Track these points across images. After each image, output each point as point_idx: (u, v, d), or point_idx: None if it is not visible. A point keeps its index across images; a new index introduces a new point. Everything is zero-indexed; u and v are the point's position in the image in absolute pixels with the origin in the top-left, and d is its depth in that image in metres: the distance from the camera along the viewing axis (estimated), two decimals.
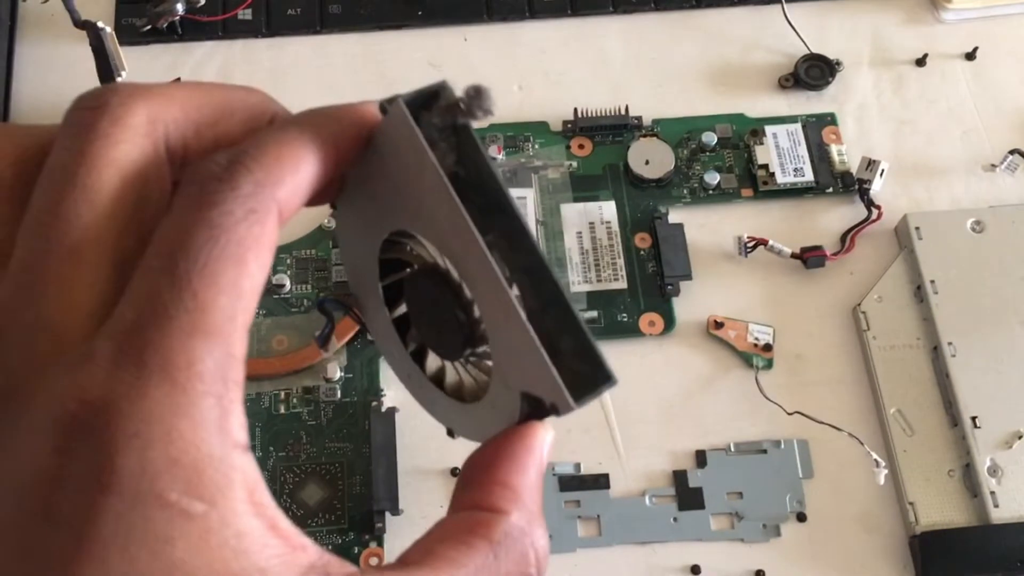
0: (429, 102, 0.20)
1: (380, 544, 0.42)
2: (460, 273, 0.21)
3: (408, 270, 0.24)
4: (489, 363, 0.22)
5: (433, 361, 0.24)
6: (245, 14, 0.54)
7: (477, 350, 0.22)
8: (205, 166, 0.18)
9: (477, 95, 0.20)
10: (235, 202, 0.17)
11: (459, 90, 0.20)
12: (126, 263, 0.17)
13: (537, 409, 0.20)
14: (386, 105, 0.20)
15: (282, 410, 0.45)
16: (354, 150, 0.20)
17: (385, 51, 0.55)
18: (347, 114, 0.20)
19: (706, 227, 0.50)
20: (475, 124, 0.20)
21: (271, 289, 0.47)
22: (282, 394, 0.45)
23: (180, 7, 0.53)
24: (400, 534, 0.43)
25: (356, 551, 0.42)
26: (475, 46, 0.55)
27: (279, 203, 0.18)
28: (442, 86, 0.20)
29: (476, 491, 0.20)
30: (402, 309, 0.24)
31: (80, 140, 0.18)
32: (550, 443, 0.21)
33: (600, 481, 0.44)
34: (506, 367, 0.21)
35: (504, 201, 0.20)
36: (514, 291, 0.20)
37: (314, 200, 0.21)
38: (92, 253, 0.17)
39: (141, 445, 0.15)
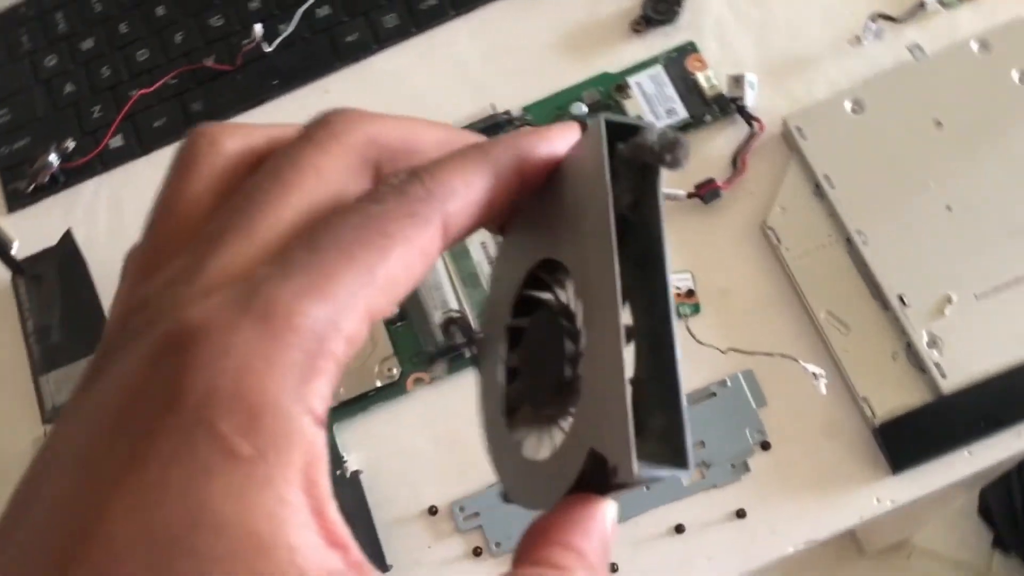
0: (627, 135, 0.20)
1: None
2: (584, 309, 0.21)
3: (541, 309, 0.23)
4: (571, 421, 0.22)
5: (522, 418, 0.24)
6: (116, 142, 0.56)
7: (567, 404, 0.22)
8: (388, 175, 0.19)
9: (673, 144, 0.20)
10: (397, 203, 0.18)
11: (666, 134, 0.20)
12: None
13: (597, 472, 0.19)
14: (588, 121, 0.21)
15: None
16: (539, 177, 0.21)
17: None
18: (536, 142, 0.21)
19: None
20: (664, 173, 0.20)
21: None
22: None
23: (54, 158, 0.55)
24: None
25: None
26: (338, 94, 0.56)
27: (446, 215, 0.19)
28: (645, 125, 0.20)
29: (536, 551, 0.19)
30: (513, 359, 0.24)
31: (297, 147, 0.19)
32: (614, 517, 0.20)
33: None
34: (586, 422, 0.20)
35: (660, 262, 0.20)
36: (624, 346, 0.19)
37: (492, 224, 0.22)
38: (265, 234, 0.18)
39: (212, 373, 0.15)
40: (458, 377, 0.48)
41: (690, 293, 0.47)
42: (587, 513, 0.20)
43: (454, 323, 0.25)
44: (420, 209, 0.18)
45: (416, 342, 0.48)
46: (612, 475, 0.19)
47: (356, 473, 0.46)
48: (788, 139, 0.49)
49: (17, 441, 0.51)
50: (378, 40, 0.56)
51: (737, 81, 0.49)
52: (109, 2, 0.59)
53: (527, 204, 0.22)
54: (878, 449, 0.43)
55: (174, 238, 0.19)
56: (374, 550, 0.44)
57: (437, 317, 0.47)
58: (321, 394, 0.16)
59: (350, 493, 0.45)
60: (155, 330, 0.16)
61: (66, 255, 0.52)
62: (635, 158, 0.20)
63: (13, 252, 0.51)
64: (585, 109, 0.51)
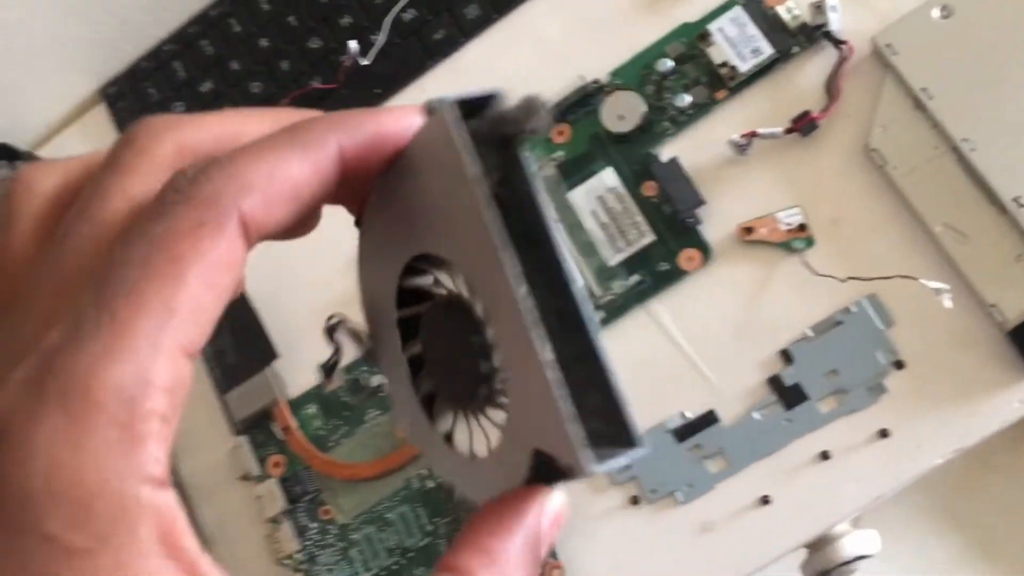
0: (479, 108, 0.19)
1: (555, 557, 0.48)
2: (484, 306, 0.19)
3: (429, 302, 0.22)
4: (503, 415, 0.20)
5: (442, 410, 0.22)
6: None
7: (493, 400, 0.21)
8: (175, 178, 0.17)
9: (531, 108, 0.18)
10: (182, 215, 0.16)
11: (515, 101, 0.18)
12: None
13: (547, 470, 0.18)
14: (433, 105, 0.19)
15: (430, 484, 0.51)
16: (373, 159, 0.19)
17: None
18: (365, 120, 0.19)
19: (700, 146, 0.51)
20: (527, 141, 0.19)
21: (373, 391, 0.53)
22: (424, 471, 0.52)
23: None
24: (568, 540, 0.48)
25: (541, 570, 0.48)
26: (435, 91, 0.58)
27: (245, 214, 0.17)
28: (495, 94, 0.19)
29: (453, 552, 0.19)
30: (416, 348, 0.22)
31: (102, 174, 0.18)
32: (556, 509, 0.19)
33: (708, 419, 0.48)
34: (520, 420, 0.19)
35: (545, 234, 0.19)
36: (542, 334, 0.18)
37: (350, 206, 0.20)
38: (78, 285, 0.17)
39: (24, 475, 0.15)
40: None
41: (801, 227, 0.48)
42: (514, 509, 0.19)
43: (337, 328, 0.24)
44: (209, 216, 0.16)
45: None
46: (567, 474, 0.18)
47: None
48: (879, 57, 0.49)
49: (214, 452, 0.57)
50: (464, 33, 0.58)
51: (819, 7, 0.49)
52: (218, 42, 0.64)
53: (381, 190, 0.20)
54: (1014, 352, 0.43)
55: (3, 297, 0.18)
56: None
57: None
58: (154, 457, 0.15)
59: None
60: None
61: None
62: (493, 132, 0.18)
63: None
64: (671, 64, 0.52)
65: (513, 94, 0.19)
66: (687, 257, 0.50)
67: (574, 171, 0.53)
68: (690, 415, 0.48)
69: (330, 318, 0.23)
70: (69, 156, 0.20)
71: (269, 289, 0.57)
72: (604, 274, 0.51)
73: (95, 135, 0.66)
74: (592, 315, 0.19)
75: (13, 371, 0.15)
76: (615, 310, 0.51)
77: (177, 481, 0.57)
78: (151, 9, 0.65)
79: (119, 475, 0.15)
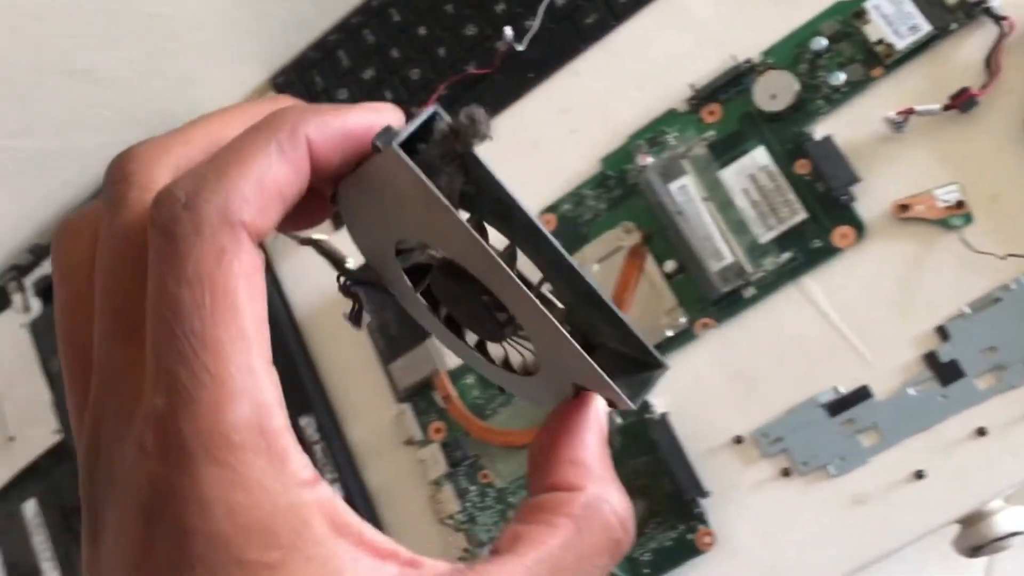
0: (425, 133, 0.20)
1: (706, 524, 0.50)
2: (482, 279, 0.21)
3: (428, 258, 0.24)
4: (532, 348, 0.22)
5: (471, 334, 0.25)
6: None
7: (518, 336, 0.23)
8: (167, 204, 0.18)
9: (471, 123, 0.20)
10: (204, 247, 0.17)
11: (459, 115, 0.20)
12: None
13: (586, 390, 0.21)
14: (379, 144, 0.20)
15: None
16: (338, 153, 0.20)
17: (519, 119, 0.62)
18: (332, 118, 0.20)
19: (854, 124, 0.52)
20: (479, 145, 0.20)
21: None
22: None
23: None
24: (719, 509, 0.50)
25: (690, 537, 0.50)
26: (588, 75, 0.61)
27: (247, 225, 0.18)
28: (432, 117, 0.20)
29: (549, 473, 0.21)
30: (425, 285, 0.24)
31: (112, 216, 0.19)
32: (605, 409, 0.22)
33: (861, 394, 0.48)
34: (554, 362, 0.21)
35: (515, 208, 0.21)
36: (547, 289, 0.21)
37: (324, 184, 0.21)
38: (121, 334, 0.18)
39: (208, 523, 0.17)
40: (740, 318, 0.52)
41: (960, 204, 0.48)
42: (582, 421, 0.21)
43: (348, 284, 0.26)
44: (225, 240, 0.18)
45: (696, 290, 0.53)
46: (610, 405, 0.21)
47: (664, 415, 0.52)
48: None
49: (380, 418, 0.62)
50: (615, 16, 0.60)
51: None
52: (379, 31, 0.68)
53: (354, 182, 0.21)
54: None
55: (81, 337, 0.20)
56: (692, 479, 0.50)
57: (712, 266, 0.52)
58: (299, 462, 0.18)
59: (663, 434, 0.51)
60: (120, 499, 0.18)
61: None
62: (444, 152, 0.20)
63: (348, 265, 0.61)
64: (825, 43, 0.53)
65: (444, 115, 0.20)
66: (840, 234, 0.50)
67: (725, 150, 0.54)
68: (843, 390, 0.49)
69: (338, 278, 0.25)
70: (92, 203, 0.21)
71: None
72: (756, 251, 0.52)
73: None
74: (575, 260, 0.21)
75: (139, 441, 0.17)
76: (766, 286, 0.52)
77: (346, 445, 0.61)
78: (317, 1, 0.69)
79: (282, 492, 0.17)
